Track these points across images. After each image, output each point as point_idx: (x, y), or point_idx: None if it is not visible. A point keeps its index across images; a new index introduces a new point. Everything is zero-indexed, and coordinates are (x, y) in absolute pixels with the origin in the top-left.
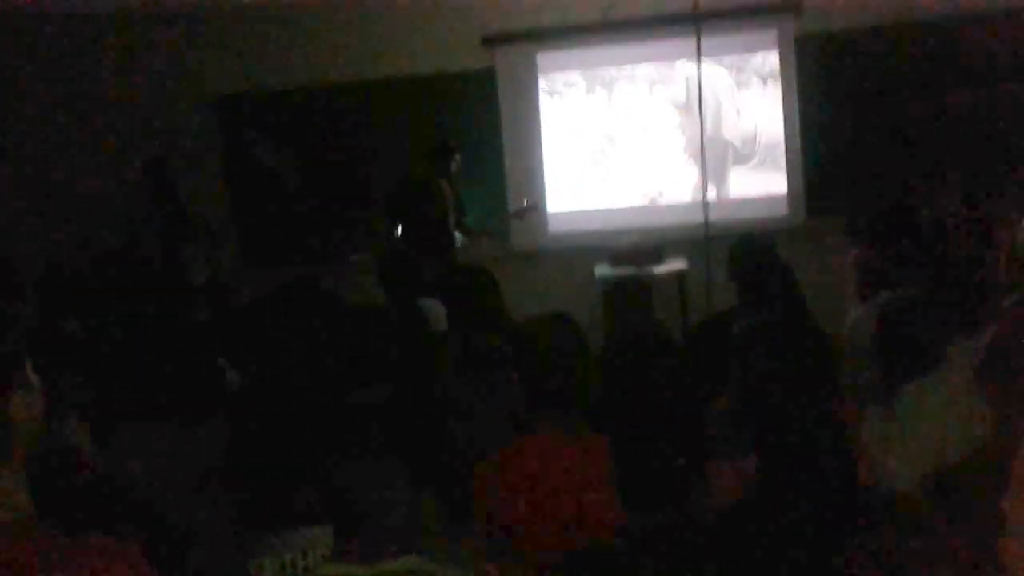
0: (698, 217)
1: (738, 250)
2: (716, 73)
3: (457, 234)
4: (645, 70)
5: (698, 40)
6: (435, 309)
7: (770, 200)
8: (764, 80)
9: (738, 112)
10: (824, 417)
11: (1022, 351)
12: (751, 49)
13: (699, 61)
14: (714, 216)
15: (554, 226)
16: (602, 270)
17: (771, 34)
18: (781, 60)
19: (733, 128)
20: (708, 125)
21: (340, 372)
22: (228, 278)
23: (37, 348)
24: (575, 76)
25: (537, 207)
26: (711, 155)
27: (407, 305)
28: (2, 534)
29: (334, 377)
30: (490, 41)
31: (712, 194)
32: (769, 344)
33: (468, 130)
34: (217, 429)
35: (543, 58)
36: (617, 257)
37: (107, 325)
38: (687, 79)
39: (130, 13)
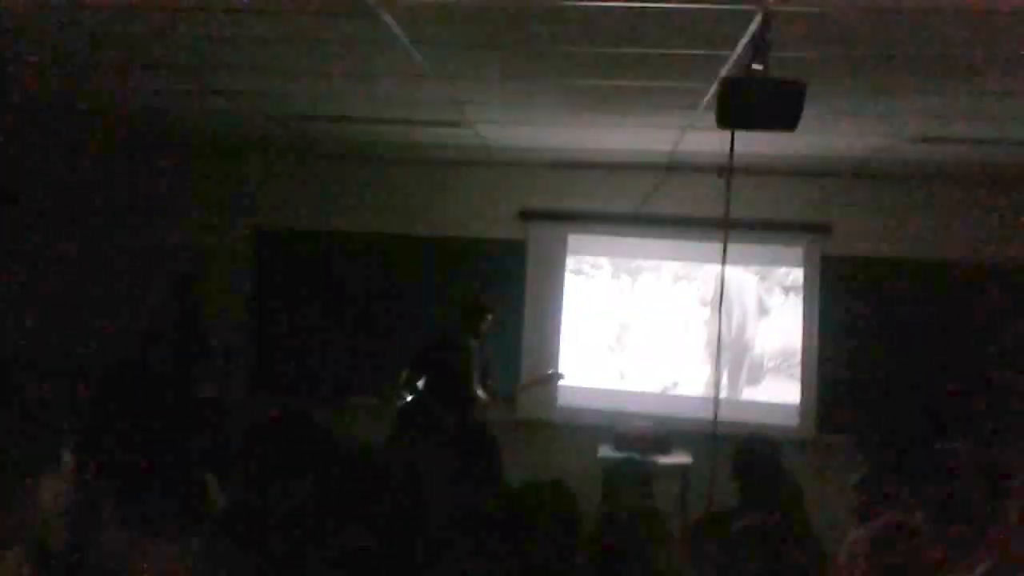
0: (708, 413)
1: (744, 447)
2: (746, 280)
3: (480, 392)
4: (671, 266)
5: (724, 246)
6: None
7: (783, 409)
8: (786, 292)
9: (760, 311)
10: None
11: None
12: (777, 262)
13: (723, 264)
14: (725, 415)
15: (563, 400)
16: (605, 451)
17: (798, 251)
18: (805, 277)
19: (754, 335)
20: (732, 327)
21: (324, 511)
22: (233, 400)
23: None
24: (603, 260)
25: (561, 376)
26: (730, 356)
27: (416, 452)
28: None
29: (318, 515)
30: (526, 215)
31: (725, 393)
32: (764, 546)
33: (494, 295)
34: (191, 543)
35: (574, 239)
36: (622, 440)
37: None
38: (717, 278)
39: (192, 136)
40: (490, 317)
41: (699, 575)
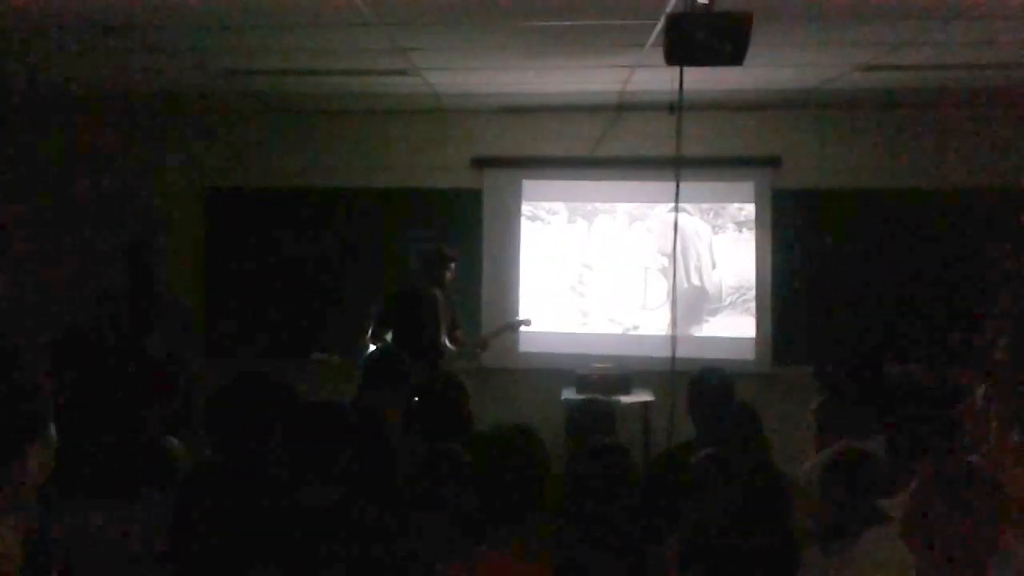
0: (668, 352)
1: (696, 383)
2: (696, 223)
3: (448, 344)
4: (627, 207)
5: (677, 185)
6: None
7: (739, 343)
8: (739, 227)
9: (713, 262)
10: (771, 556)
11: (944, 506)
12: (729, 198)
13: (676, 204)
14: (684, 352)
15: (525, 346)
16: (569, 394)
17: (749, 185)
18: (757, 211)
19: (708, 275)
20: (687, 265)
21: (291, 468)
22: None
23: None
24: (558, 205)
25: (528, 323)
26: (687, 294)
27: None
28: None
29: (285, 473)
30: (479, 163)
31: (683, 331)
32: (723, 476)
33: (451, 245)
34: (155, 506)
35: (529, 185)
36: (584, 383)
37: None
38: (668, 224)
39: (137, 97)
40: (453, 266)
41: (661, 506)
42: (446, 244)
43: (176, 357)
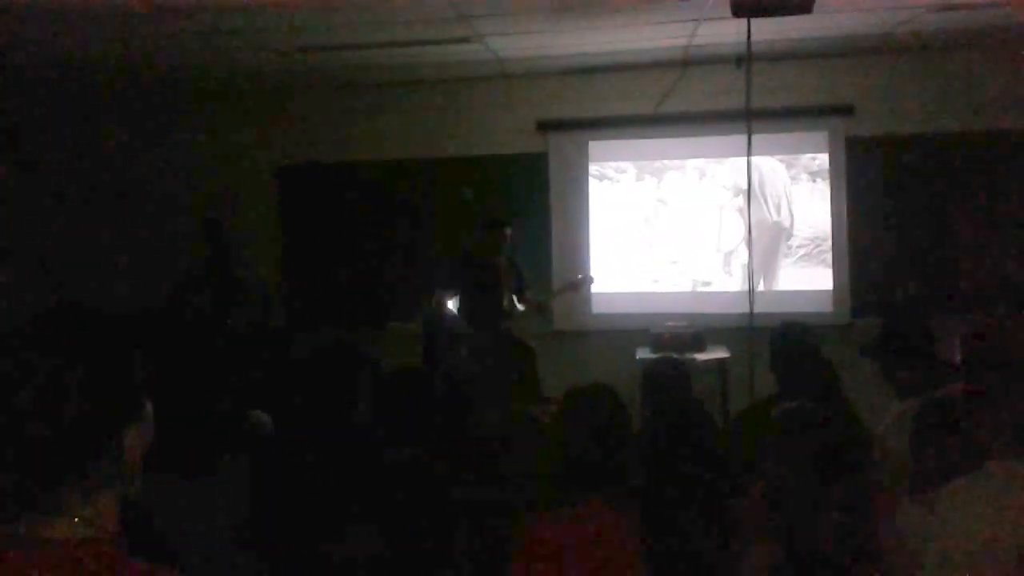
0: (744, 307)
1: (778, 338)
2: (773, 168)
3: (519, 305)
4: (696, 163)
5: (748, 136)
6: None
7: (817, 296)
8: (813, 178)
9: (790, 201)
10: (853, 509)
11: None
12: (802, 149)
13: (749, 155)
14: (760, 307)
15: (598, 307)
16: (643, 354)
17: (822, 135)
18: (831, 160)
19: (787, 211)
20: (763, 215)
21: (376, 432)
22: (276, 335)
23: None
24: (626, 164)
25: (591, 280)
26: (762, 247)
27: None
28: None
29: (370, 437)
30: (545, 127)
31: (760, 286)
32: (805, 429)
33: (520, 210)
34: (236, 482)
35: (595, 146)
36: (658, 342)
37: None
38: (743, 170)
39: (209, 81)
40: (508, 231)
41: (742, 461)
42: (498, 209)
43: (260, 333)
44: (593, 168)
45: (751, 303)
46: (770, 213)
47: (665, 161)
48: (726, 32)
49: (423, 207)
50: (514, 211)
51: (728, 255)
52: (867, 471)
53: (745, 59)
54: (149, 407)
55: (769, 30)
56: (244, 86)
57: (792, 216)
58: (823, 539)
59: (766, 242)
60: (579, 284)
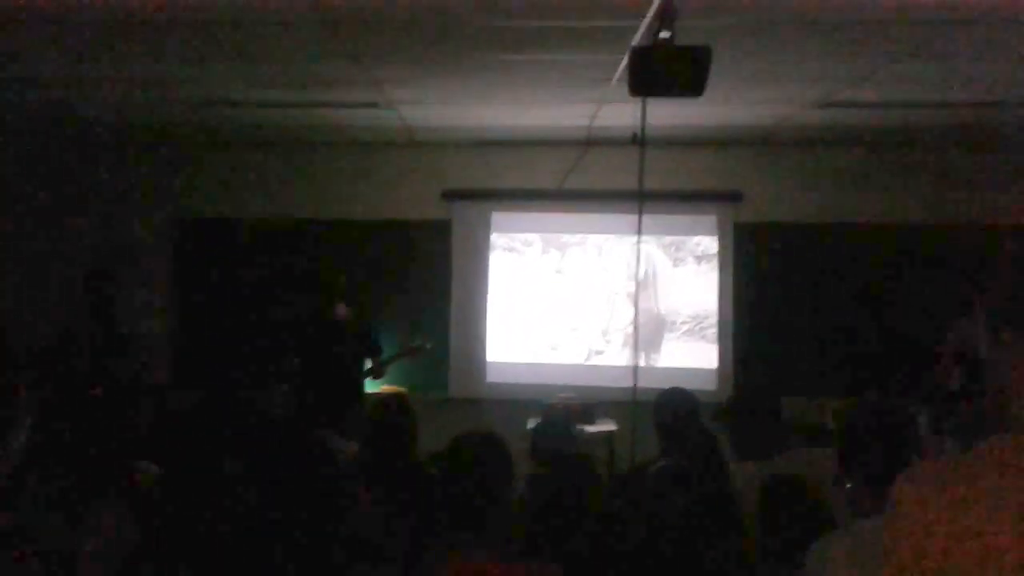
0: (630, 382)
1: (661, 399)
2: (656, 253)
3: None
4: (595, 239)
5: (639, 217)
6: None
7: (700, 374)
8: (699, 261)
9: (675, 289)
10: (726, 557)
11: None
12: (693, 231)
13: (639, 235)
14: (646, 383)
15: (492, 376)
16: (534, 423)
17: (711, 219)
18: (720, 244)
19: (671, 304)
20: (650, 298)
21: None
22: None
23: None
24: (533, 237)
25: (431, 347)
26: (650, 327)
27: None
28: None
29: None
30: (450, 195)
31: (645, 362)
32: (678, 486)
33: (421, 276)
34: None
35: (498, 217)
36: (550, 413)
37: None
38: (635, 254)
39: (105, 126)
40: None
41: (623, 516)
42: (341, 273)
43: (138, 382)
44: (501, 239)
45: (635, 378)
46: (656, 304)
47: (567, 236)
48: (627, 114)
49: (322, 268)
50: (417, 277)
51: (617, 334)
52: (739, 535)
53: (640, 137)
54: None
55: (665, 115)
56: (144, 135)
57: (672, 306)
58: None
59: (651, 328)
60: (415, 350)
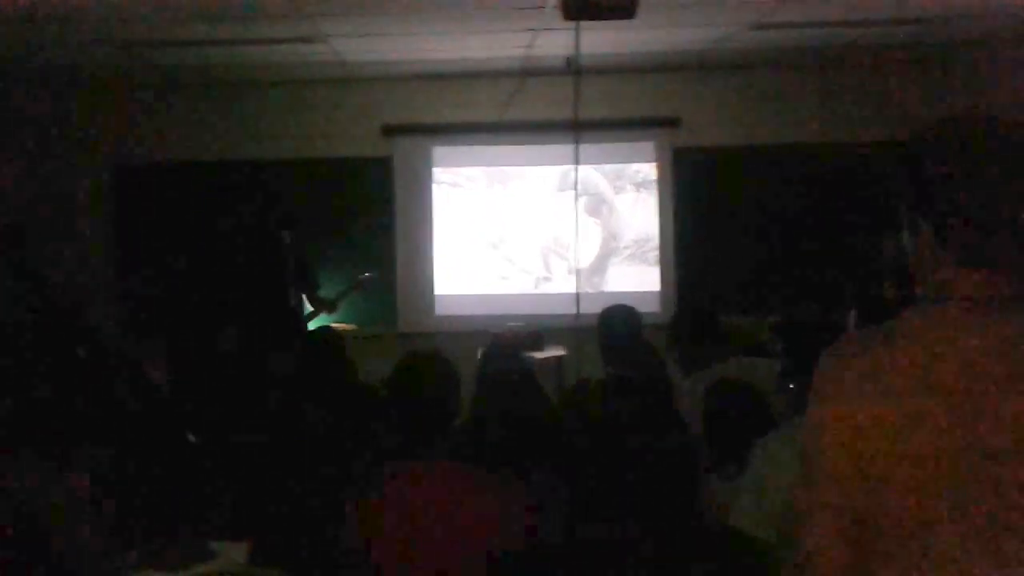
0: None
1: (606, 315)
2: (598, 180)
3: (308, 304)
4: (537, 170)
5: (576, 147)
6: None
7: (645, 296)
8: (638, 188)
9: (619, 215)
10: (671, 454)
11: None
12: (632, 159)
13: (576, 164)
14: (592, 309)
15: (441, 309)
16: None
17: (650, 145)
18: (658, 170)
19: (613, 230)
20: (593, 225)
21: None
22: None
23: None
24: (476, 171)
25: (373, 278)
26: (594, 253)
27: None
28: None
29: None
30: (389, 131)
31: (590, 288)
32: (623, 395)
33: (364, 214)
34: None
35: (439, 151)
36: (499, 341)
37: None
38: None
39: (42, 73)
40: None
41: (570, 430)
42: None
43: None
44: (445, 175)
45: (578, 305)
46: (600, 227)
47: (508, 168)
48: (561, 44)
49: (263, 209)
50: (359, 214)
51: (562, 257)
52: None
53: (575, 61)
54: None
55: (599, 42)
56: (75, 81)
57: (615, 231)
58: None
59: (596, 250)
60: (362, 283)
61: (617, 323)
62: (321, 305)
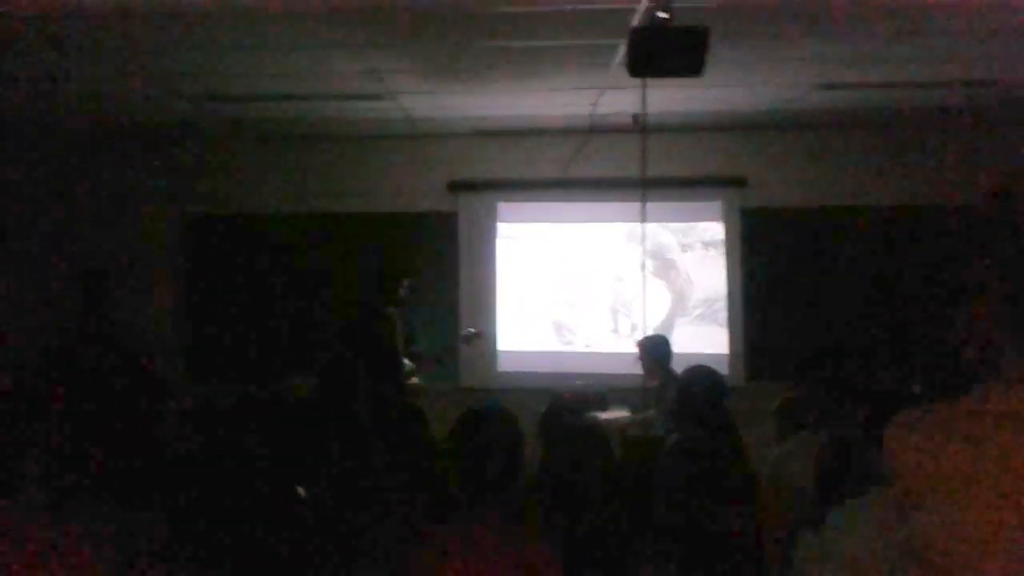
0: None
1: (686, 373)
2: (666, 238)
3: (406, 360)
4: (600, 227)
5: (643, 204)
6: None
7: (712, 359)
8: (706, 247)
9: (687, 275)
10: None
11: None
12: (698, 217)
13: (643, 221)
14: None
15: (503, 366)
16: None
17: (717, 205)
18: (726, 229)
19: (681, 289)
20: (661, 285)
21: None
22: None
23: None
24: (535, 226)
25: (481, 334)
26: (662, 313)
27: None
28: None
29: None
30: (455, 187)
31: None
32: (695, 461)
33: (428, 269)
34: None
35: (504, 207)
36: (560, 400)
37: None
38: (645, 241)
39: (118, 127)
40: (406, 282)
41: (636, 489)
42: (399, 261)
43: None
44: (508, 229)
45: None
46: (667, 286)
47: (570, 225)
48: (628, 101)
49: (331, 262)
50: (422, 269)
51: (627, 315)
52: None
53: (642, 118)
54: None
55: (666, 100)
56: (153, 133)
57: (682, 292)
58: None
59: (664, 310)
60: (467, 337)
61: (702, 387)
62: (423, 362)
